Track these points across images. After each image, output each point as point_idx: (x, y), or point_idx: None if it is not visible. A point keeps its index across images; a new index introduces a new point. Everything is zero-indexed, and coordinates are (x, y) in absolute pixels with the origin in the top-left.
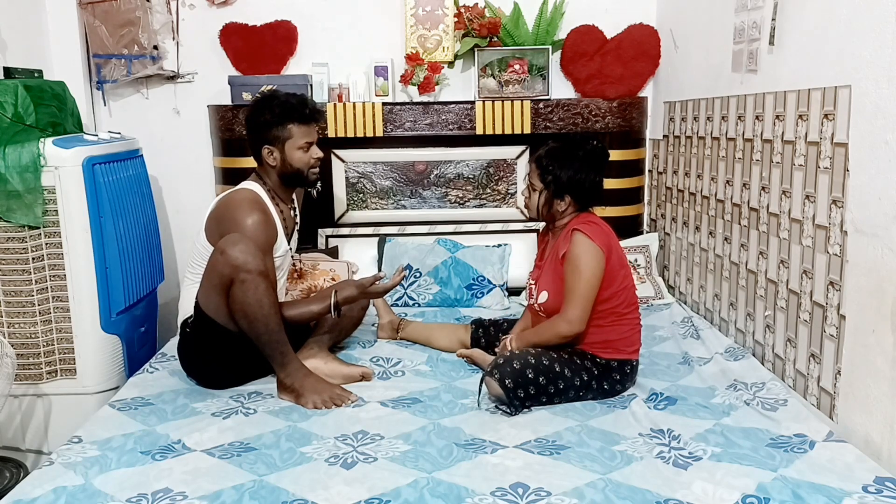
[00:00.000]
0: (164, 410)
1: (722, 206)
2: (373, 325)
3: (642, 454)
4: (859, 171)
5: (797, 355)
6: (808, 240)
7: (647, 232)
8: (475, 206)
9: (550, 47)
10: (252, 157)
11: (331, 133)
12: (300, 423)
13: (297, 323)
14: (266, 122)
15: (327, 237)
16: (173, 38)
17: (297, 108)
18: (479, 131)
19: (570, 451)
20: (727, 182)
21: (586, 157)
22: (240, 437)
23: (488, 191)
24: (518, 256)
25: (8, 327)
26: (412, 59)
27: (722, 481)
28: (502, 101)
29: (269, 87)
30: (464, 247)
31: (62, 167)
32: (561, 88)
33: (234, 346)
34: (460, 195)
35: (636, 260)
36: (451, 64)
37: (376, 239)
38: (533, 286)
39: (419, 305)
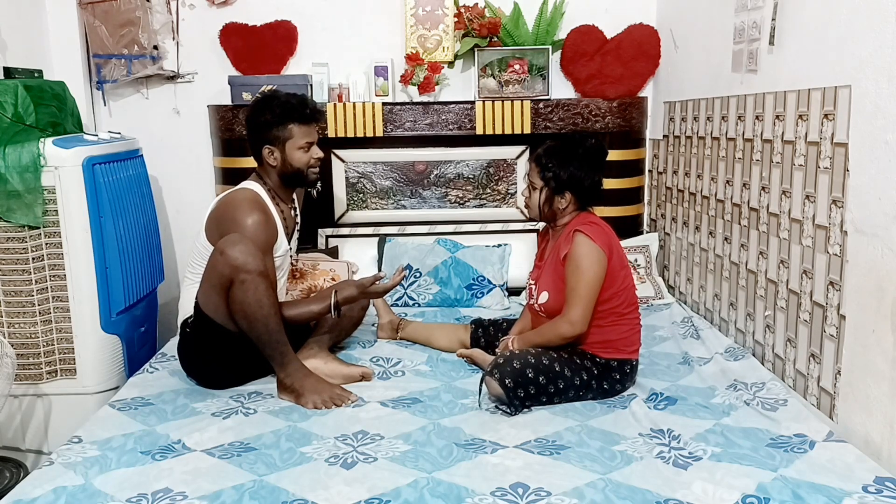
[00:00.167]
0: (164, 410)
1: (722, 206)
2: (373, 325)
3: (642, 454)
4: (859, 171)
5: (797, 355)
6: (808, 240)
7: (647, 232)
8: (475, 206)
9: (550, 47)
10: (252, 157)
11: (331, 133)
12: (300, 423)
13: (297, 323)
14: (266, 122)
15: (327, 237)
16: (173, 38)
17: (298, 108)
18: (479, 131)
19: (570, 451)
20: (727, 182)
21: (585, 154)
22: (240, 437)
23: (488, 191)
24: (518, 256)
25: (8, 327)
26: (412, 59)
27: (722, 481)
28: (502, 101)
29: (270, 87)
30: (464, 247)
31: (62, 167)
32: (561, 88)
33: (234, 346)
34: (460, 195)
35: (636, 260)
36: (451, 64)
37: (376, 239)
38: (533, 286)
39: (419, 305)
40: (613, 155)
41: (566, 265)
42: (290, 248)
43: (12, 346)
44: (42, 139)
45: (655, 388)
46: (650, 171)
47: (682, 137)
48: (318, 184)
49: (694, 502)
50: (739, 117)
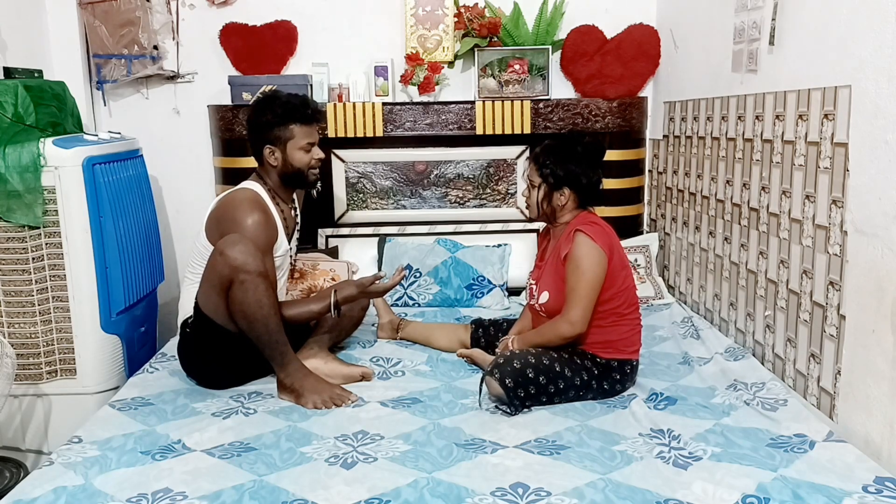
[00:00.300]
0: (164, 410)
1: (722, 206)
2: (373, 325)
3: (642, 454)
4: (859, 171)
5: (797, 355)
6: (808, 240)
7: (647, 232)
8: (475, 206)
9: (550, 47)
10: (252, 157)
11: (331, 133)
12: (300, 423)
13: (297, 322)
14: (268, 122)
15: (327, 237)
16: (173, 38)
17: (300, 108)
18: (479, 131)
19: (570, 451)
20: (727, 182)
21: (583, 151)
22: (240, 437)
23: (488, 191)
24: (518, 256)
25: (8, 327)
26: (412, 59)
27: (722, 481)
28: (502, 101)
29: (270, 87)
30: (464, 247)
31: (62, 167)
32: (561, 88)
33: (234, 346)
34: (460, 195)
35: (636, 260)
36: (451, 64)
37: (376, 239)
38: (534, 286)
39: (419, 305)
40: (613, 155)
41: (566, 265)
42: (290, 249)
43: (12, 346)
44: (42, 139)
45: (655, 388)
46: (650, 171)
47: (682, 137)
48: (319, 184)
49: (694, 502)
50: (739, 117)
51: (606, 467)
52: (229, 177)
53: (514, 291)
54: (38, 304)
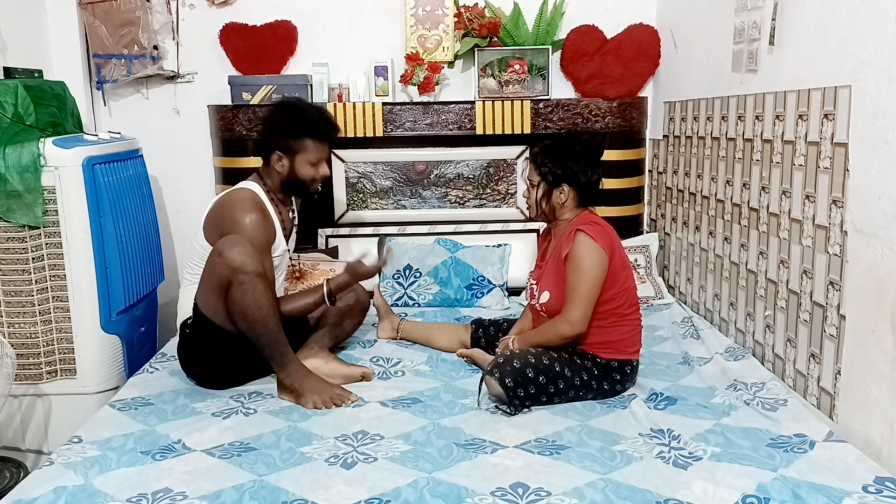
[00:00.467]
0: (164, 410)
1: (722, 206)
2: (373, 325)
3: (642, 454)
4: (859, 171)
5: (797, 355)
6: (808, 240)
7: (647, 232)
8: (475, 206)
9: (550, 47)
10: (254, 156)
11: None
12: (300, 423)
13: (295, 317)
14: (284, 129)
15: (327, 237)
16: (173, 38)
17: (319, 125)
18: (479, 131)
19: (570, 451)
20: (727, 182)
21: (581, 148)
22: (240, 437)
23: (488, 191)
24: (518, 256)
25: (8, 327)
26: (412, 59)
27: (722, 481)
28: (502, 101)
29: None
30: (464, 247)
31: (62, 167)
32: (561, 88)
33: (234, 347)
34: (460, 195)
35: (636, 260)
36: (451, 64)
37: (376, 239)
38: (534, 286)
39: (419, 305)
40: (614, 155)
41: (567, 265)
42: (288, 249)
43: (12, 346)
44: (42, 139)
45: (655, 388)
46: (650, 171)
47: (682, 137)
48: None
49: (694, 502)
50: (739, 117)
51: (606, 467)
52: (229, 177)
53: (514, 291)
54: (38, 304)
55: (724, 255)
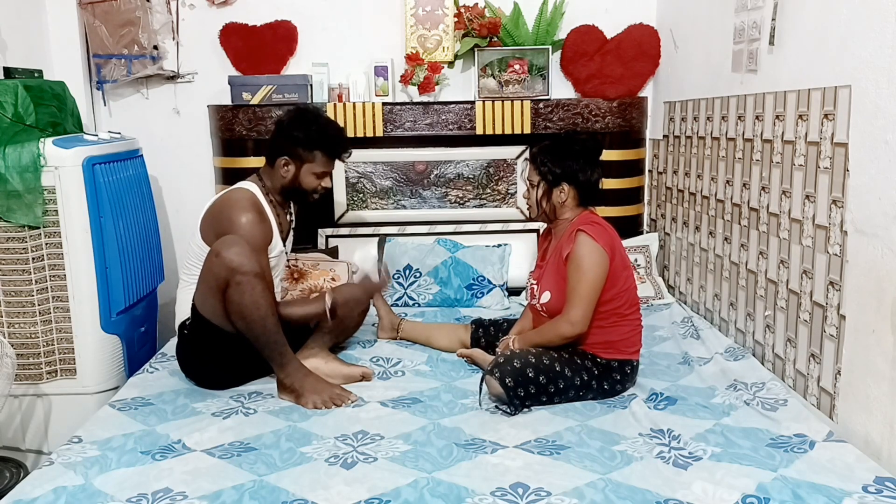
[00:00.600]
0: (164, 410)
1: (722, 206)
2: (373, 324)
3: (642, 454)
4: (859, 171)
5: (797, 355)
6: (808, 240)
7: (647, 232)
8: (475, 206)
9: (550, 47)
10: (254, 156)
11: None
12: (300, 423)
13: (294, 323)
14: (298, 137)
15: (327, 237)
16: (173, 38)
17: (333, 141)
18: (479, 131)
19: (570, 451)
20: (727, 182)
21: (580, 148)
22: (240, 437)
23: (488, 191)
24: (518, 256)
25: (8, 327)
26: (412, 59)
27: (722, 481)
28: (502, 101)
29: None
30: (464, 247)
31: (62, 167)
32: (561, 88)
33: (233, 347)
34: (460, 195)
35: (636, 260)
36: (451, 64)
37: (376, 239)
38: (535, 286)
39: (419, 305)
40: (614, 155)
41: (568, 265)
42: (285, 250)
43: (12, 346)
44: (42, 139)
45: (655, 388)
46: (650, 171)
47: (682, 137)
48: None
49: (694, 502)
50: (739, 117)
51: (606, 467)
52: (229, 177)
53: (514, 291)
54: (38, 304)
55: (724, 255)
